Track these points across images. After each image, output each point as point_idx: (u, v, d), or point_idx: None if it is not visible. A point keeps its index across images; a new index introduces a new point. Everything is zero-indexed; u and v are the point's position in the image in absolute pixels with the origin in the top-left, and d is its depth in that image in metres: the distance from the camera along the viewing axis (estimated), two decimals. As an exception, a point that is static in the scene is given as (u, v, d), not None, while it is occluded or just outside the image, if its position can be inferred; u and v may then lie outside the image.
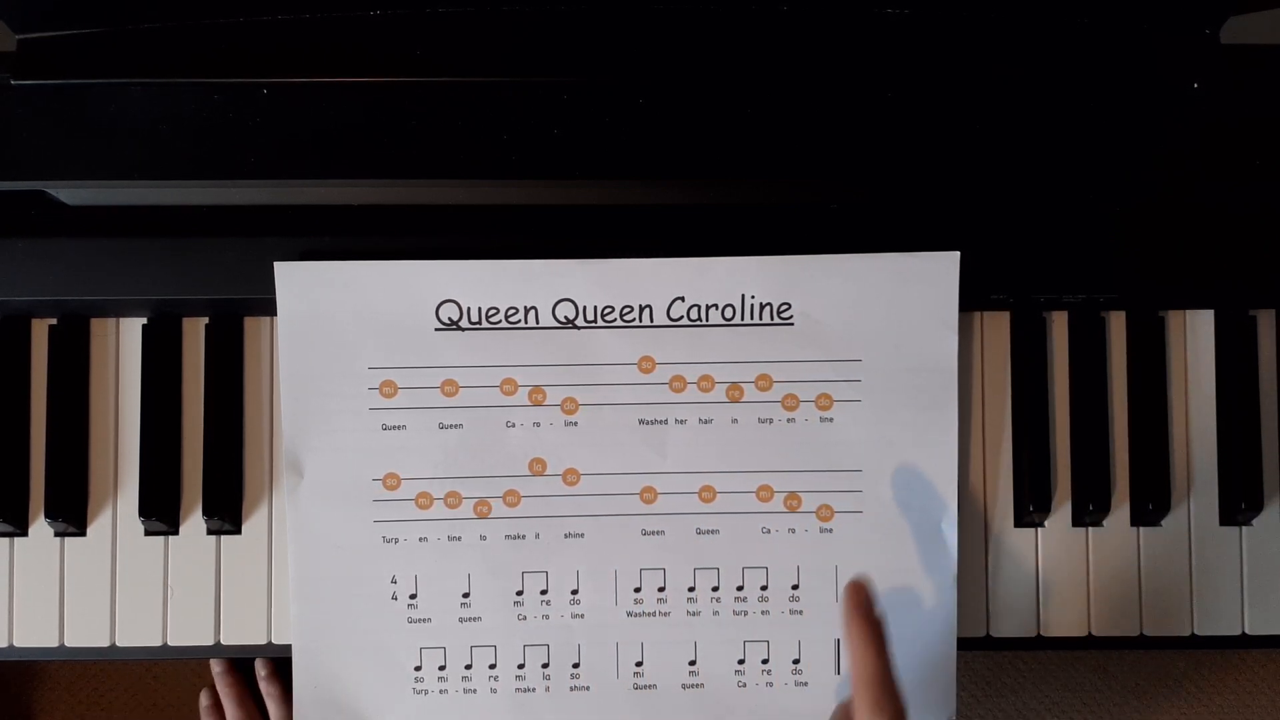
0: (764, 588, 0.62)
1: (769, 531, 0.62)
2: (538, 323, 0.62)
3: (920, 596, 0.62)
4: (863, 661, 0.51)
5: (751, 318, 0.62)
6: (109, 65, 0.60)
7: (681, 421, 0.62)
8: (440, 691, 0.62)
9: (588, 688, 0.62)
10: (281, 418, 0.62)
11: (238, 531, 0.64)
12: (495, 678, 0.62)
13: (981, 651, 0.67)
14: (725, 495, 0.62)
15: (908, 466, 0.62)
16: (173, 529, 0.63)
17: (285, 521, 0.62)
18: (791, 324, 0.62)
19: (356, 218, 0.63)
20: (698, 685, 0.63)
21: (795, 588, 0.62)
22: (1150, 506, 0.63)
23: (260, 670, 0.70)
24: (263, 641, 0.63)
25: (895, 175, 0.61)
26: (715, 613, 0.62)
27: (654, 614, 0.62)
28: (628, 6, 0.60)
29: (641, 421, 0.62)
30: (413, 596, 0.62)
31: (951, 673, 0.62)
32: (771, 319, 0.62)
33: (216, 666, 0.72)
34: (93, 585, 0.63)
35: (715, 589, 0.62)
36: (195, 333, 0.64)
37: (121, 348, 0.64)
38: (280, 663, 0.70)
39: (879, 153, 0.60)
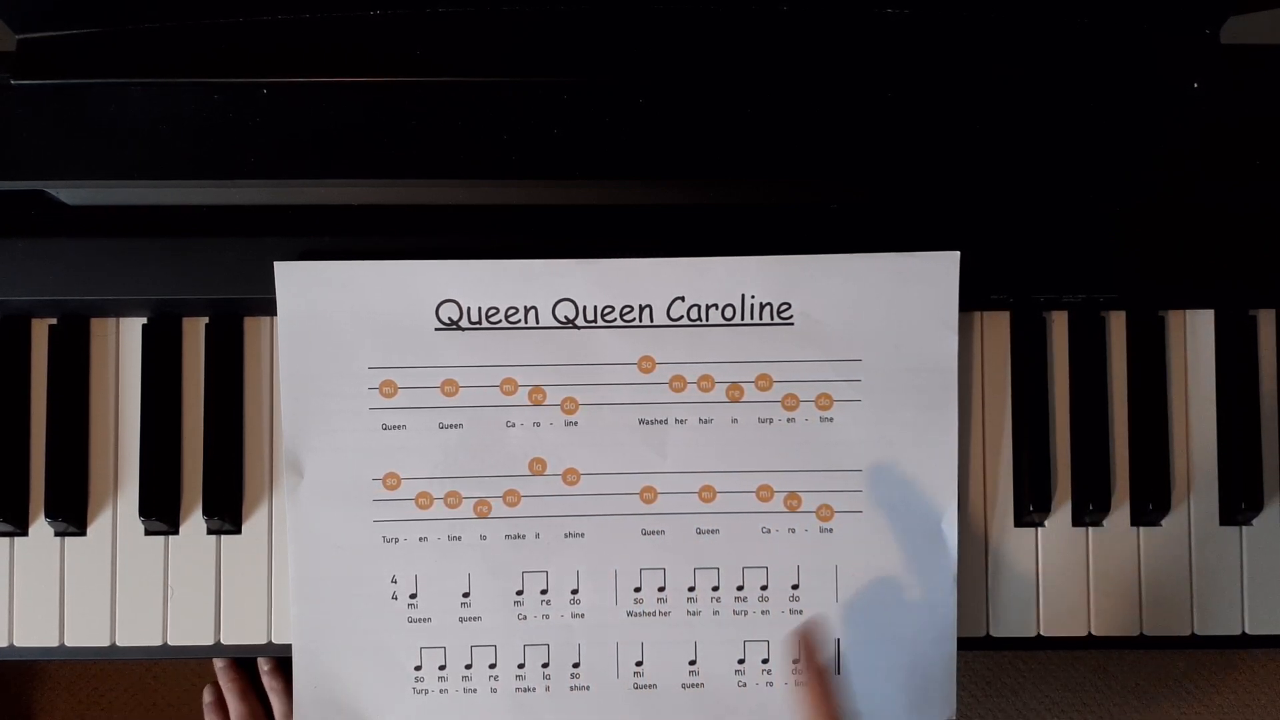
0: (764, 587, 0.62)
1: (769, 531, 0.62)
2: (538, 322, 0.62)
3: (920, 596, 0.62)
4: (814, 710, 0.56)
5: (751, 317, 0.62)
6: (109, 65, 0.60)
7: (681, 421, 0.62)
8: (440, 691, 0.62)
9: (588, 687, 0.62)
10: (281, 417, 0.62)
11: (238, 531, 0.64)
12: (495, 677, 0.62)
13: (981, 651, 0.67)
14: (725, 495, 0.62)
15: (908, 466, 0.62)
16: (173, 529, 0.63)
17: (285, 521, 0.62)
18: (791, 324, 0.62)
19: (356, 218, 0.63)
20: (698, 685, 0.63)
21: (795, 588, 0.62)
22: (1150, 506, 0.63)
23: (263, 665, 0.70)
24: (263, 641, 0.63)
25: (895, 175, 0.61)
26: (715, 612, 0.62)
27: (654, 614, 0.62)
28: (628, 6, 0.60)
29: (641, 421, 0.62)
30: (413, 596, 0.62)
31: (951, 673, 0.62)
32: (771, 319, 0.62)
33: (219, 662, 0.72)
34: (93, 585, 0.63)
35: (715, 589, 0.62)
36: (195, 333, 0.64)
37: (121, 348, 0.64)
38: (283, 658, 0.69)
39: (879, 153, 0.60)
